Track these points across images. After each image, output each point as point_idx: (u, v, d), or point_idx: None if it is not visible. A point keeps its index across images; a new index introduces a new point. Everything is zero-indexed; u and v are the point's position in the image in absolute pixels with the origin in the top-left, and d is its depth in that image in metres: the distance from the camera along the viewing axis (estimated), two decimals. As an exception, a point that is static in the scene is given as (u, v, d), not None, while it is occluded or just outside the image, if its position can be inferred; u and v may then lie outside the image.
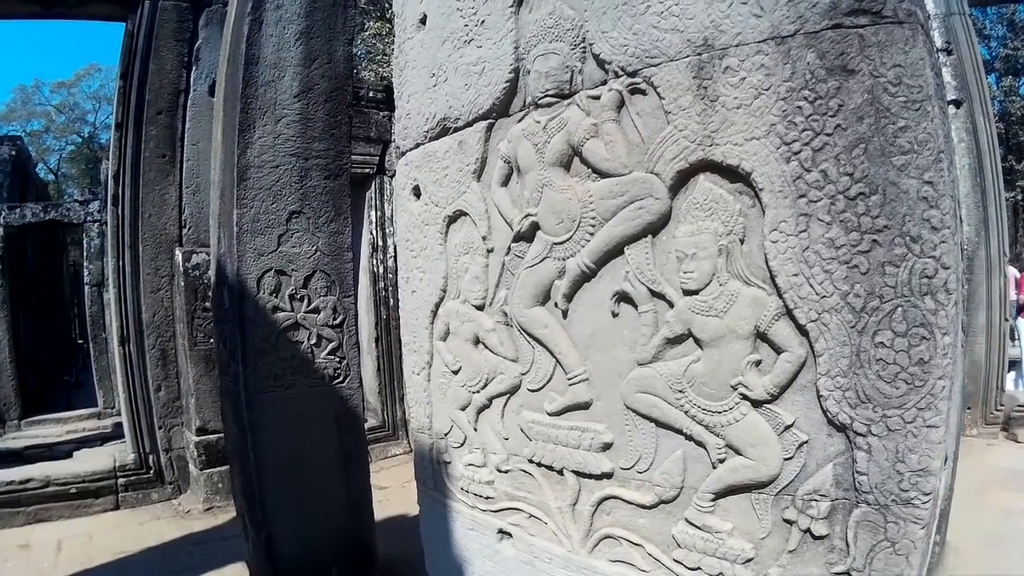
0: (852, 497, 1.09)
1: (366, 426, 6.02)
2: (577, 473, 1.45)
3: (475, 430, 1.69)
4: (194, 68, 4.90)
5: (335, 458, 3.19)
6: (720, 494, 1.23)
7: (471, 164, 1.60)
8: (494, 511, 1.66)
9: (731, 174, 1.16)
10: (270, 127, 3.20)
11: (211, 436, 4.53)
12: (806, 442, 1.12)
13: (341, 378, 3.17)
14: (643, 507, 1.35)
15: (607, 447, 1.39)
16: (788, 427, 1.14)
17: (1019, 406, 5.17)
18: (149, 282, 4.70)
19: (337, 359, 3.15)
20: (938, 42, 5.16)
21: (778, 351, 1.14)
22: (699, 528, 1.25)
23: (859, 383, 1.06)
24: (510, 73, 1.50)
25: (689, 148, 1.19)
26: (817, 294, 1.08)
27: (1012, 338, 6.38)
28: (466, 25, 1.61)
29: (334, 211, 3.20)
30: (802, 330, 1.10)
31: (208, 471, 4.59)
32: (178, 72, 4.88)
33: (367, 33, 12.39)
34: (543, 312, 1.47)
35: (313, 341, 3.12)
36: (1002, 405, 5.18)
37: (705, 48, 1.15)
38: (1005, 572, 3.26)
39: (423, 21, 1.79)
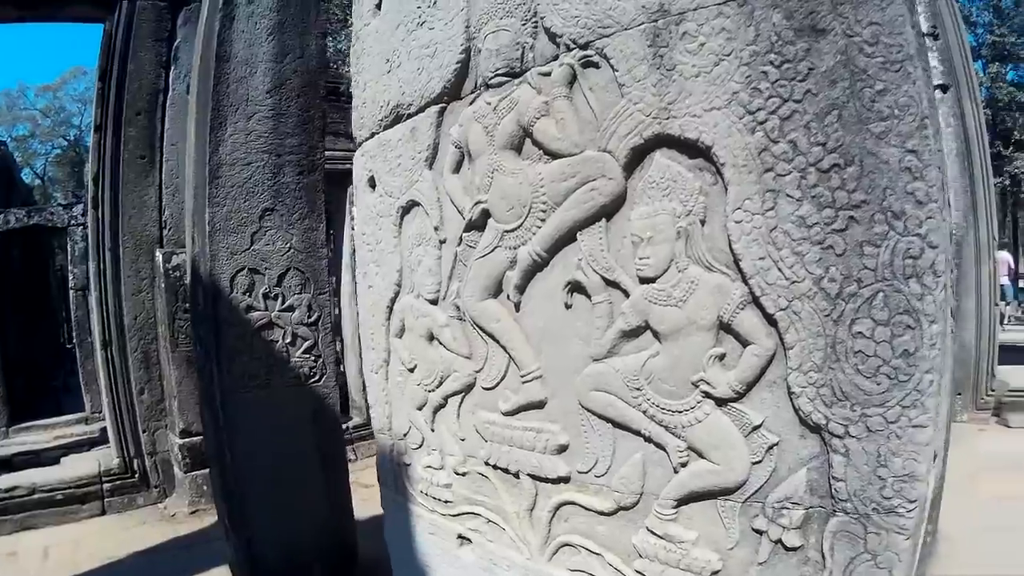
0: (828, 505, 0.99)
1: (351, 424, 6.02)
2: (533, 477, 1.38)
3: (432, 431, 1.63)
4: (173, 68, 4.86)
5: (313, 458, 3.15)
6: (683, 501, 1.13)
7: (423, 151, 1.56)
8: (453, 515, 1.61)
9: (690, 149, 1.07)
10: (242, 124, 3.16)
11: (195, 438, 4.49)
12: (776, 444, 1.03)
13: (317, 377, 3.13)
14: (602, 514, 1.26)
15: (563, 449, 1.32)
16: (756, 428, 1.04)
17: (1010, 391, 5.14)
18: (130, 284, 4.66)
19: (312, 358, 3.11)
20: (924, 27, 5.11)
21: (744, 344, 1.04)
22: (661, 537, 1.17)
23: (835, 378, 0.96)
24: (461, 54, 1.44)
25: (644, 122, 1.11)
26: (787, 279, 0.99)
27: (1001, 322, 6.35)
28: (419, 7, 1.56)
29: (308, 207, 3.16)
30: (770, 320, 1.01)
31: (192, 473, 4.55)
32: (157, 72, 4.83)
33: (351, 28, 12.32)
34: (495, 305, 1.41)
35: (288, 340, 3.08)
36: (993, 390, 5.15)
37: (661, 13, 1.07)
38: (997, 560, 3.23)
39: (379, 6, 1.75)
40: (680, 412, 1.12)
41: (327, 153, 3.48)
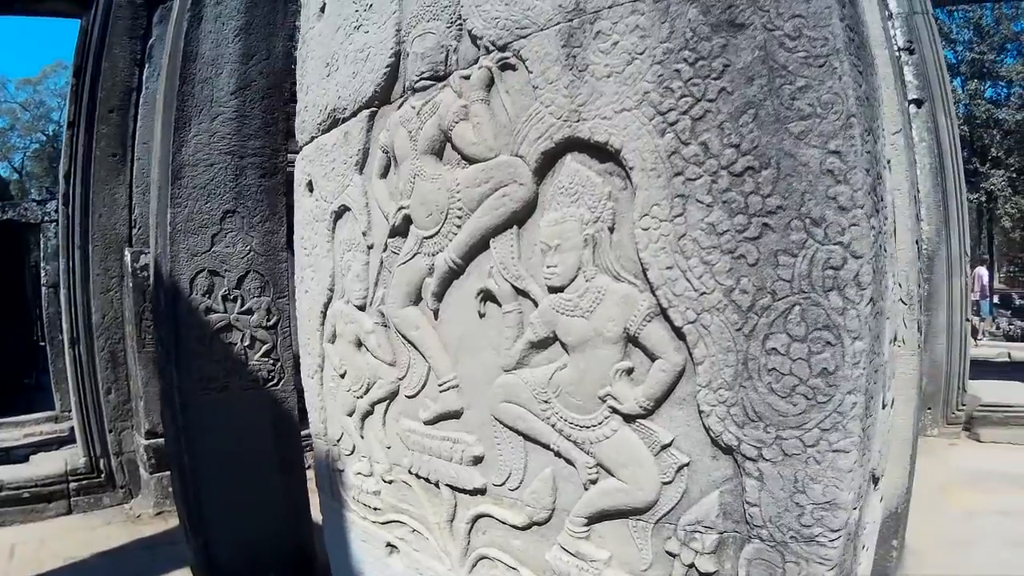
0: (743, 531, 0.92)
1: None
2: (452, 487, 1.37)
3: (361, 437, 1.63)
4: (147, 66, 4.83)
5: (271, 461, 3.13)
6: (593, 519, 1.09)
7: (354, 156, 1.55)
8: (382, 523, 1.60)
9: (600, 152, 1.03)
10: (205, 125, 3.14)
11: (160, 439, 4.44)
12: (687, 464, 0.97)
13: (275, 380, 3.11)
14: (516, 528, 1.24)
15: (478, 460, 1.30)
16: (666, 446, 0.99)
17: (982, 406, 5.17)
18: (99, 283, 4.62)
19: (271, 361, 3.10)
20: (900, 41, 5.16)
21: (652, 358, 0.99)
22: (573, 555, 1.13)
23: (747, 397, 0.89)
24: (391, 57, 1.43)
25: (555, 125, 1.07)
26: (695, 290, 0.93)
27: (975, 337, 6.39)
28: (356, 10, 1.55)
29: (269, 210, 3.15)
30: (679, 333, 0.96)
31: (158, 475, 4.51)
32: (131, 70, 4.80)
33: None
34: (416, 312, 1.40)
35: (247, 343, 3.06)
36: (964, 405, 5.18)
37: (576, 13, 1.03)
38: (965, 573, 3.25)
39: (323, 9, 1.74)
40: (588, 428, 1.08)
41: (290, 156, 3.47)
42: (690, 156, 0.93)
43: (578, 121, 1.05)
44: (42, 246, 5.92)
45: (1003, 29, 18.90)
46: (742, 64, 0.88)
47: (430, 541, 1.46)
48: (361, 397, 1.59)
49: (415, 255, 1.38)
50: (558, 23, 1.07)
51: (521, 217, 1.17)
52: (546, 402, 1.14)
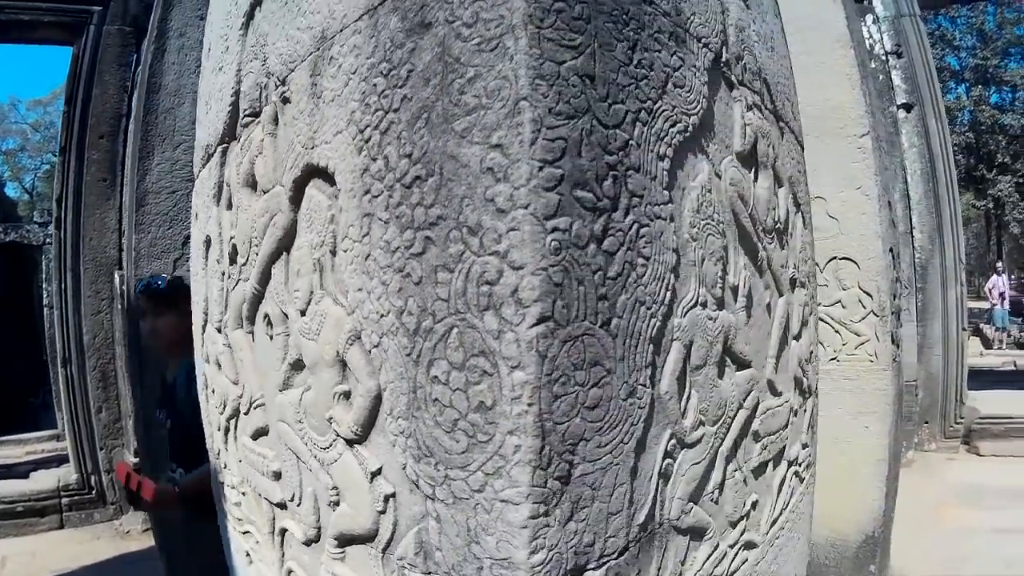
0: (438, 575, 0.84)
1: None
2: (268, 500, 1.42)
3: (226, 450, 1.72)
4: (135, 93, 4.97)
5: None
6: (341, 541, 1.07)
7: (213, 188, 1.65)
8: (242, 533, 1.68)
9: (328, 177, 0.99)
10: (168, 153, 3.23)
11: (147, 457, 4.56)
12: (393, 495, 0.90)
13: (236, 402, 3.17)
14: (303, 544, 1.25)
15: (278, 476, 1.33)
16: (376, 474, 0.93)
17: (981, 418, 5.00)
18: (90, 304, 4.76)
19: (231, 383, 3.15)
20: (888, 45, 5.06)
21: (358, 381, 0.96)
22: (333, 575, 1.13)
23: (419, 429, 0.80)
24: (232, 96, 1.51)
25: (301, 154, 1.07)
26: (376, 312, 0.85)
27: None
28: (222, 52, 1.65)
29: (229, 235, 3.21)
30: (371, 357, 0.90)
31: (145, 492, 4.62)
32: (120, 96, 4.95)
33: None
34: (241, 334, 1.49)
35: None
36: (962, 418, 5.01)
37: (322, 41, 1.01)
38: None
39: (209, 49, 1.85)
40: (324, 449, 1.06)
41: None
42: (376, 172, 0.85)
43: (312, 147, 1.02)
44: (44, 268, 6.11)
45: (1006, 34, 18.64)
46: (422, 66, 0.79)
47: (265, 551, 1.52)
48: (221, 414, 1.67)
49: (238, 281, 1.46)
50: (312, 53, 1.06)
51: (286, 244, 1.18)
52: (299, 422, 1.15)
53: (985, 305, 13.60)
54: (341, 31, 0.96)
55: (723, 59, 1.09)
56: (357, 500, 1.00)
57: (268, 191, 1.27)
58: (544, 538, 0.72)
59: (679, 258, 0.90)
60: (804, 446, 1.49)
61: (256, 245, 1.31)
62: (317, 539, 1.19)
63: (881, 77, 4.83)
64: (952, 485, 4.75)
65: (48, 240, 5.99)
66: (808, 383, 1.55)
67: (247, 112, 1.38)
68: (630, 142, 0.80)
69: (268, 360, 1.30)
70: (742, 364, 1.12)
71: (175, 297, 2.33)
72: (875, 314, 3.25)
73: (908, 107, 5.00)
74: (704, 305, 0.96)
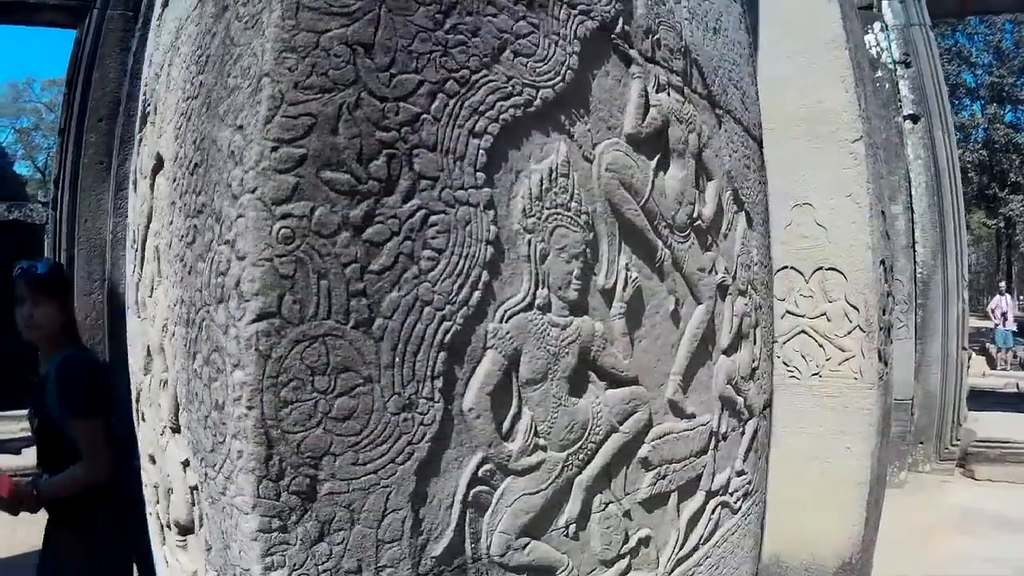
0: None
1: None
2: (152, 486, 1.44)
3: (139, 436, 1.74)
4: (136, 77, 4.99)
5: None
6: (179, 529, 1.02)
7: (132, 176, 1.66)
8: (150, 514, 1.72)
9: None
10: (151, 137, 3.23)
11: (130, 440, 4.58)
12: (196, 487, 0.88)
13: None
14: (162, 529, 1.28)
15: (152, 460, 1.36)
16: (186, 465, 0.91)
17: (977, 441, 4.87)
18: (82, 285, 4.77)
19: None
20: (896, 53, 4.92)
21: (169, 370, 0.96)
22: (178, 562, 1.05)
23: (191, 422, 0.78)
24: (146, 80, 1.53)
25: (155, 143, 1.09)
26: (172, 301, 0.85)
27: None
28: (155, 37, 1.66)
29: (207, 222, 3.20)
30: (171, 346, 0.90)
31: (127, 474, 4.64)
32: (119, 81, 4.95)
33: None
34: (136, 320, 1.53)
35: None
36: (959, 440, 4.88)
37: (177, 34, 1.00)
38: None
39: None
40: (160, 435, 1.03)
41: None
42: (180, 160, 0.84)
43: (159, 136, 1.05)
44: (45, 246, 6.17)
45: (1023, 52, 18.28)
46: (213, 50, 0.75)
47: (157, 537, 1.51)
48: (135, 399, 1.70)
49: (135, 265, 1.51)
50: (172, 45, 1.06)
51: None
52: (151, 406, 1.12)
53: (991, 324, 13.37)
54: (187, 19, 0.92)
55: (617, 30, 0.99)
56: (178, 489, 0.95)
57: (145, 178, 1.25)
58: (283, 555, 0.66)
59: (500, 252, 0.80)
60: (740, 473, 1.38)
61: (137, 231, 1.28)
62: (169, 526, 1.14)
63: (888, 86, 4.71)
64: (946, 509, 4.63)
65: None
66: (748, 403, 1.43)
67: (149, 98, 1.35)
68: (423, 116, 0.72)
69: (139, 345, 1.27)
70: (617, 381, 0.98)
71: (55, 285, 2.11)
72: (861, 329, 3.13)
73: (915, 118, 4.87)
74: (544, 309, 0.86)
